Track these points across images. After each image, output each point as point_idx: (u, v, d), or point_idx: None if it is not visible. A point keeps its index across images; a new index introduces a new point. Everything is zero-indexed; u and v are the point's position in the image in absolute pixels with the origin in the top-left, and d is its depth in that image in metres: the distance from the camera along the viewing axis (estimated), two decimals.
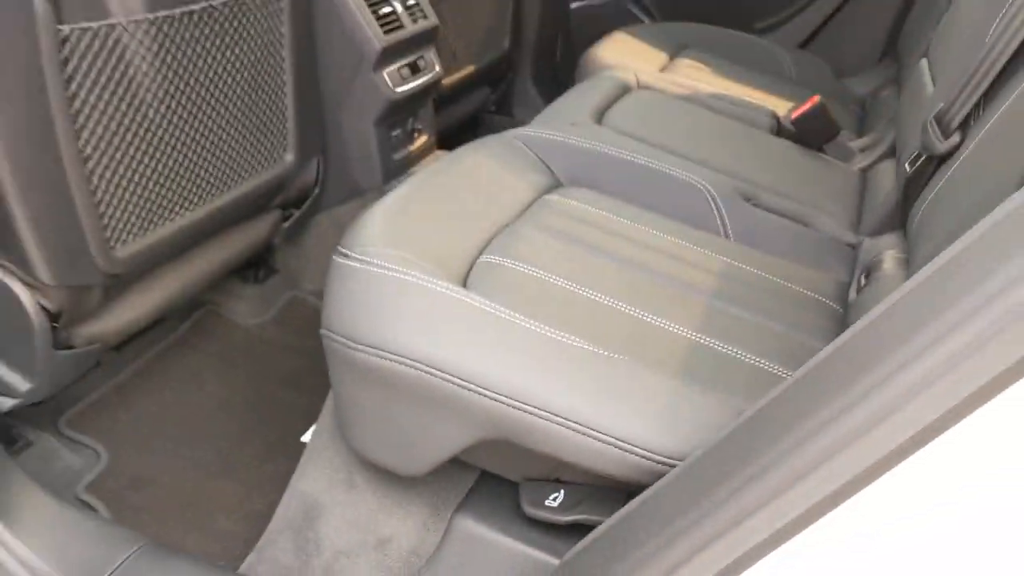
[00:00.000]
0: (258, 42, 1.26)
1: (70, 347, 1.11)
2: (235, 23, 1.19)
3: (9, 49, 0.90)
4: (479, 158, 1.21)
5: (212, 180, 1.24)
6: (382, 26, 1.48)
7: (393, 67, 1.53)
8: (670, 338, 0.92)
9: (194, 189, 1.21)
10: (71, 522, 1.01)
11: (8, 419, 1.17)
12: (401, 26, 1.53)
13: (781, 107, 1.74)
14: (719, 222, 1.24)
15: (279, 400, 1.43)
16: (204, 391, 1.44)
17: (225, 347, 1.54)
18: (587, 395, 0.81)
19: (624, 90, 1.61)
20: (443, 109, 1.95)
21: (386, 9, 1.51)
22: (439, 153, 1.78)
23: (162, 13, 1.05)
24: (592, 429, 0.79)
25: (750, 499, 0.55)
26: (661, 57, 1.93)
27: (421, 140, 1.71)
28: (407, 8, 1.56)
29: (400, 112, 1.60)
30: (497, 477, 0.98)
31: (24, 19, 0.90)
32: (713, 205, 1.25)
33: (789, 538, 0.55)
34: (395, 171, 1.63)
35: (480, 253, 1.02)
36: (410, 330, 0.86)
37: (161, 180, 1.14)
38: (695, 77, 1.85)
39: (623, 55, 1.83)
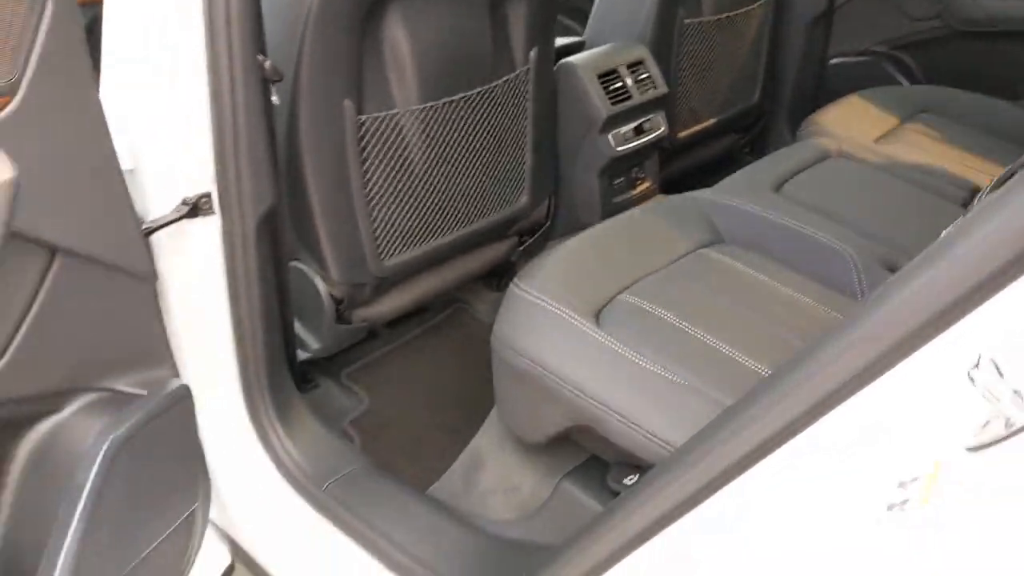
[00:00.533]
0: (506, 116, 1.67)
1: (348, 323, 1.62)
2: (487, 105, 1.61)
3: (325, 131, 1.39)
4: (651, 215, 1.53)
5: (460, 216, 1.68)
6: (611, 98, 1.83)
7: (618, 130, 1.88)
8: (746, 373, 1.18)
9: (446, 222, 1.66)
10: (328, 440, 1.50)
11: (307, 366, 1.72)
12: (629, 97, 1.87)
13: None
14: (857, 287, 1.43)
15: (491, 380, 1.86)
16: (444, 367, 1.90)
17: (466, 336, 2.00)
18: (646, 407, 1.14)
19: (819, 159, 1.80)
20: (683, 155, 2.25)
21: (617, 84, 1.85)
22: (660, 198, 2.09)
23: (430, 104, 1.50)
24: (642, 429, 1.12)
25: (693, 466, 0.83)
26: (888, 122, 2.04)
27: (643, 186, 2.03)
28: (638, 82, 1.89)
29: (622, 164, 1.94)
30: (600, 460, 1.32)
31: (337, 112, 1.39)
32: (855, 271, 1.43)
33: (703, 499, 0.82)
34: (614, 212, 1.95)
35: (621, 291, 1.35)
36: (542, 344, 1.25)
37: (421, 215, 1.60)
38: (917, 143, 1.95)
39: (842, 120, 1.99)
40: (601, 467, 1.37)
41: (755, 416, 0.75)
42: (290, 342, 1.52)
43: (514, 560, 1.23)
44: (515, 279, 1.35)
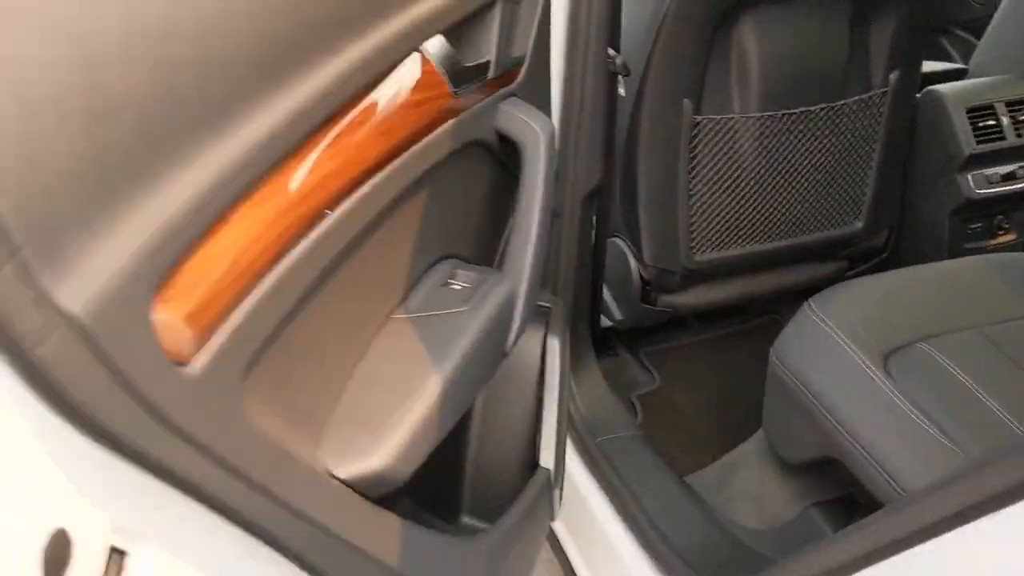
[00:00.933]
0: (850, 137, 1.66)
1: (652, 305, 1.76)
2: (831, 123, 1.62)
3: (662, 125, 1.53)
4: (986, 268, 1.44)
5: (780, 227, 1.71)
6: (978, 135, 1.72)
7: (983, 171, 1.75)
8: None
9: (764, 230, 1.70)
10: (612, 402, 1.64)
11: (611, 334, 1.89)
12: (1002, 138, 1.73)
13: None
14: None
15: None
16: (742, 372, 1.95)
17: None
18: (904, 459, 1.12)
19: None
20: None
21: (990, 121, 1.73)
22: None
23: (768, 113, 1.56)
24: (894, 481, 1.10)
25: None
26: None
27: (1005, 237, 1.86)
28: (1017, 122, 1.74)
29: (982, 209, 1.80)
30: (854, 499, 1.31)
31: (676, 110, 1.52)
32: None
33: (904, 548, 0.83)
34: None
35: (922, 339, 1.30)
36: (816, 371, 1.27)
37: (739, 219, 1.67)
38: None
39: None
40: (852, 506, 1.35)
41: (975, 480, 0.75)
42: (596, 306, 1.70)
43: (740, 562, 1.28)
44: (810, 299, 1.38)
